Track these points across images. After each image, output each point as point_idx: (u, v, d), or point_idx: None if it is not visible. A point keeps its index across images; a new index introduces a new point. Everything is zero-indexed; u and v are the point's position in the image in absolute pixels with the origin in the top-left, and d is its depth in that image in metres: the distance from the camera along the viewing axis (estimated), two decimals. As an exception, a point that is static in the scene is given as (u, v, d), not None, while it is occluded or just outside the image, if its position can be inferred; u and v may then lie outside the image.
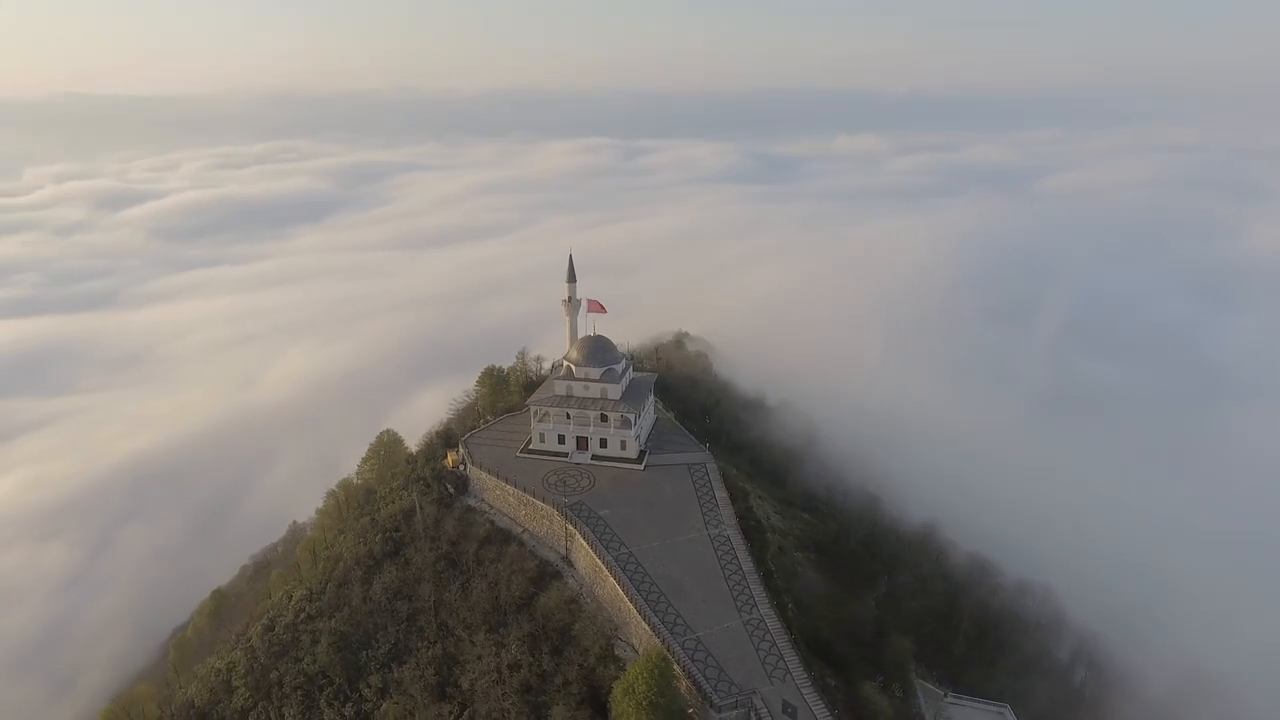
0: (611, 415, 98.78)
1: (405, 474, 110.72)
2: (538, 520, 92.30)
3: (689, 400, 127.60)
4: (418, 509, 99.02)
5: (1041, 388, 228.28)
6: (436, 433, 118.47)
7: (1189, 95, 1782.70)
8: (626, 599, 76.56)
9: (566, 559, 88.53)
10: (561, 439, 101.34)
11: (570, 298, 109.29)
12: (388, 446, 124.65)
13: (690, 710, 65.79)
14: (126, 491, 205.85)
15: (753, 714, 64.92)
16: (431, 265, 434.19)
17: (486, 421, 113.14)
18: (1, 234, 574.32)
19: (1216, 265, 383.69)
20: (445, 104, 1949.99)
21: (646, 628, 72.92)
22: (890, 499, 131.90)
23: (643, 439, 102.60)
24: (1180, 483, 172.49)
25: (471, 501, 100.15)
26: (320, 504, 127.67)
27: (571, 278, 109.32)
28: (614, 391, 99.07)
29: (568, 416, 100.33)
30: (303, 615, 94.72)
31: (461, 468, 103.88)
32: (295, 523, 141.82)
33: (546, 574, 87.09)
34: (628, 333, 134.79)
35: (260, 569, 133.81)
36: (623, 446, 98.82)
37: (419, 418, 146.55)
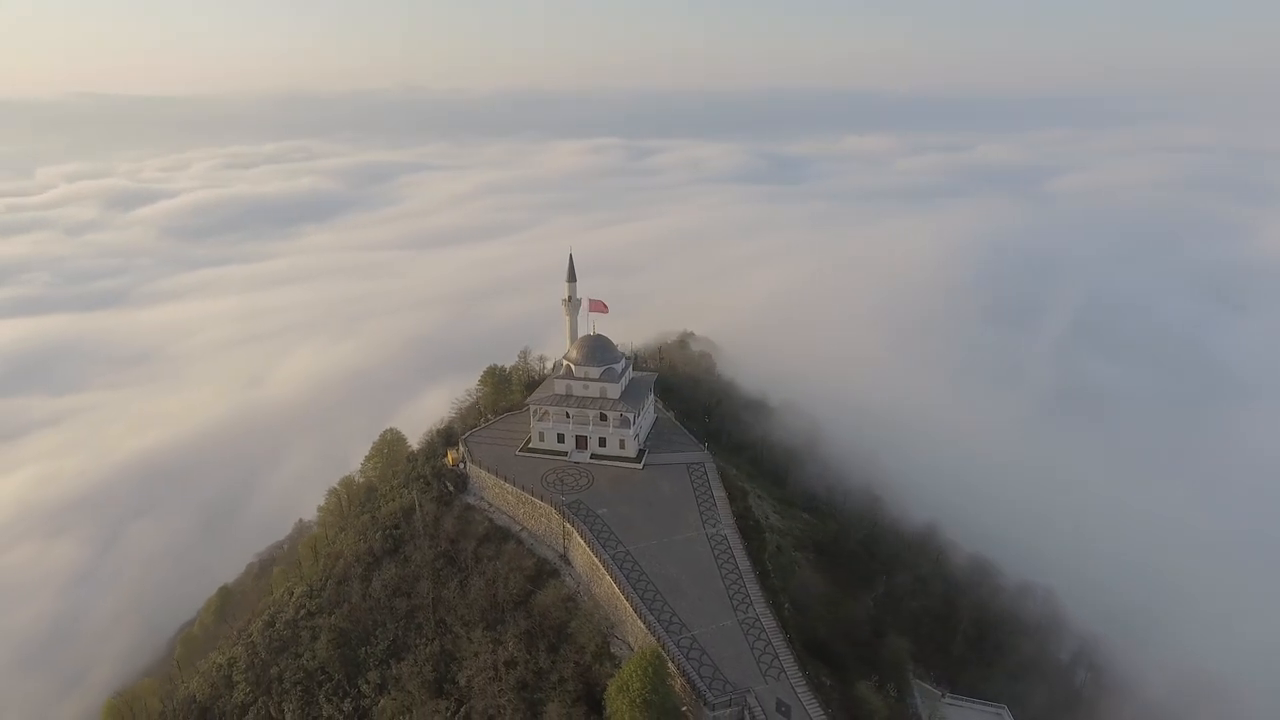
0: (610, 414, 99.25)
1: (406, 472, 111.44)
2: (536, 518, 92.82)
3: (691, 400, 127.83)
4: (417, 507, 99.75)
5: (1046, 388, 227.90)
6: (438, 431, 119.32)
7: (1189, 95, 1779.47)
8: (622, 597, 76.94)
9: (564, 557, 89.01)
10: (561, 438, 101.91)
11: (570, 297, 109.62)
12: (390, 445, 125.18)
13: (684, 708, 66.14)
14: (135, 489, 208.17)
15: (746, 712, 65.12)
16: (439, 265, 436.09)
17: (487, 420, 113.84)
18: (14, 233, 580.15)
19: (1223, 265, 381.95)
20: (452, 104, 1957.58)
21: (642, 626, 73.23)
22: (891, 499, 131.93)
23: (642, 438, 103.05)
24: (1180, 483, 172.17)
25: (471, 499, 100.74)
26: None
27: (571, 277, 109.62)
28: (613, 391, 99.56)
29: (567, 415, 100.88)
30: (303, 611, 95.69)
31: (461, 466, 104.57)
32: (301, 521, 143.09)
33: (544, 572, 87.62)
34: (632, 332, 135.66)
35: (266, 566, 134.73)
36: (621, 446, 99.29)
37: (424, 417, 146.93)
